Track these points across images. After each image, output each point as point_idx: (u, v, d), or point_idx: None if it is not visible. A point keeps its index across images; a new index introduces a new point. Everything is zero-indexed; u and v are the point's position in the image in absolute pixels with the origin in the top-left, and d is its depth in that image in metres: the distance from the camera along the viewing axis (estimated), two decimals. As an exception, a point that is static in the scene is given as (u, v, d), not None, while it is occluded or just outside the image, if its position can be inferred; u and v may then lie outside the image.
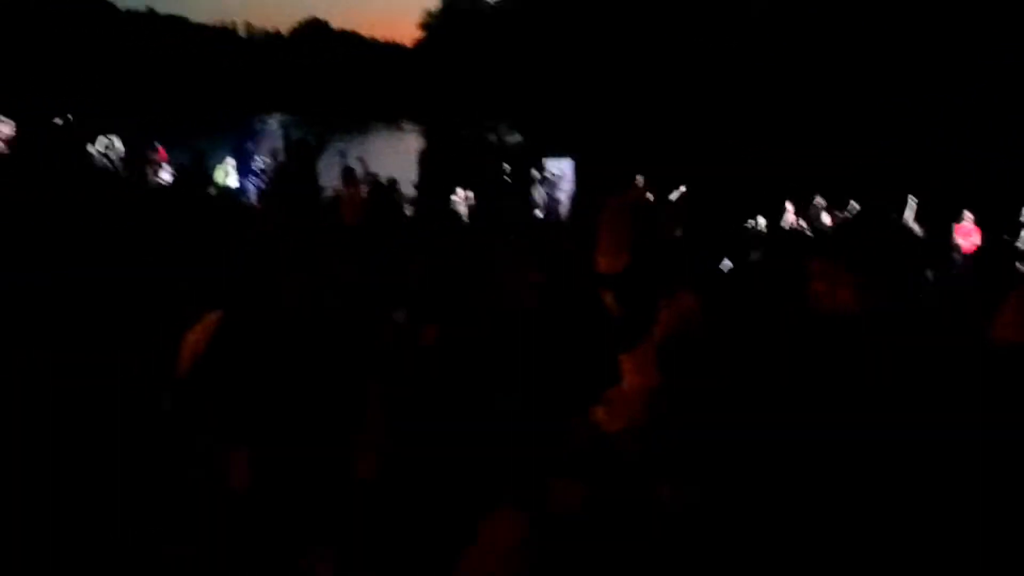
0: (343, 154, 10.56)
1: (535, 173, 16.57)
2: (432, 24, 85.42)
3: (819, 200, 14.66)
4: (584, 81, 46.89)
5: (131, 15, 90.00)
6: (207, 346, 2.08)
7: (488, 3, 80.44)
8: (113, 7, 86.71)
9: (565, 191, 16.74)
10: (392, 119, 66.89)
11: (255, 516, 1.72)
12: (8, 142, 14.55)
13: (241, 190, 14.61)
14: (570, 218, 15.69)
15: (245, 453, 1.73)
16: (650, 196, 11.50)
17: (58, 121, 18.81)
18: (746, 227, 14.58)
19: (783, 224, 14.64)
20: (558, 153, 17.85)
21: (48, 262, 4.34)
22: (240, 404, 1.72)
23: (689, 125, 30.51)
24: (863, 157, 20.67)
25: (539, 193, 16.23)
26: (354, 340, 2.28)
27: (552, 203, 16.34)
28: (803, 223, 14.46)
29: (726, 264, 10.91)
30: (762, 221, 14.65)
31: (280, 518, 1.75)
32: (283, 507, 1.72)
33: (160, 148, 16.96)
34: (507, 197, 15.26)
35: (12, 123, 17.59)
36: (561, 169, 16.99)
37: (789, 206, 14.66)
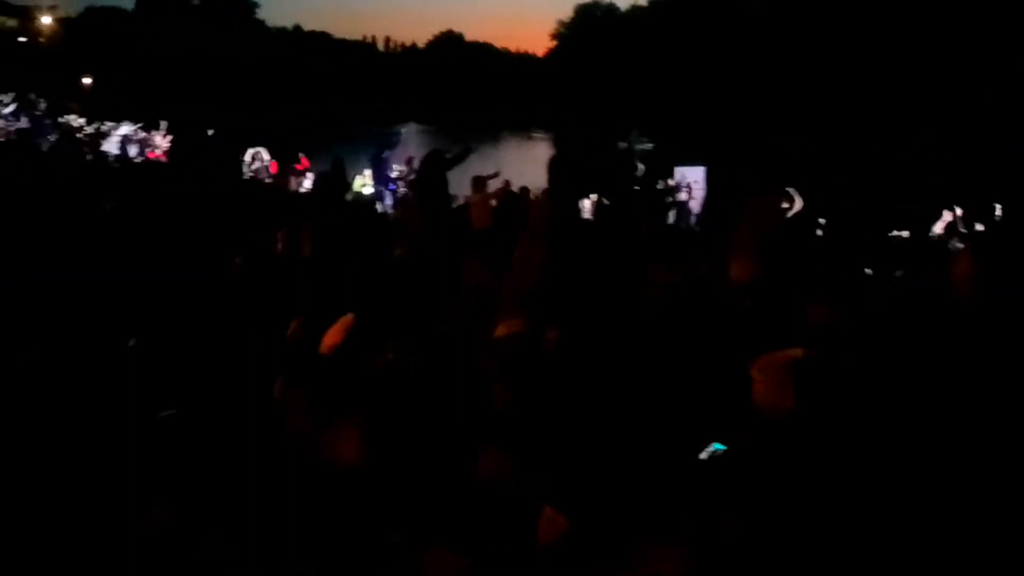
0: (471, 150, 10.72)
1: (666, 180, 16.34)
2: (564, 34, 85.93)
3: (956, 210, 13.68)
4: (719, 87, 45.93)
5: (280, 32, 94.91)
6: (343, 344, 2.17)
7: (620, 11, 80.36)
8: (263, 24, 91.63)
9: (697, 199, 16.42)
10: (522, 127, 67.64)
11: (368, 505, 1.73)
12: (165, 152, 15.56)
13: (377, 197, 15.10)
14: (702, 226, 15.35)
15: (357, 434, 1.74)
16: (789, 204, 11.08)
17: (211, 132, 20.07)
18: (890, 237, 13.83)
19: (932, 234, 13.79)
20: (690, 160, 17.53)
21: (201, 260, 4.60)
22: (371, 398, 1.75)
23: (829, 130, 29.34)
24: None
25: (670, 201, 15.98)
26: (478, 342, 2.30)
27: (683, 211, 16.05)
28: (949, 232, 13.57)
29: (869, 274, 10.38)
30: (905, 232, 13.87)
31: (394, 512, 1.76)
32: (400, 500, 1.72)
33: (303, 158, 17.80)
34: (637, 204, 15.09)
35: (168, 134, 18.86)
36: (693, 176, 16.67)
37: (947, 215, 13.70)
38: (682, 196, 16.19)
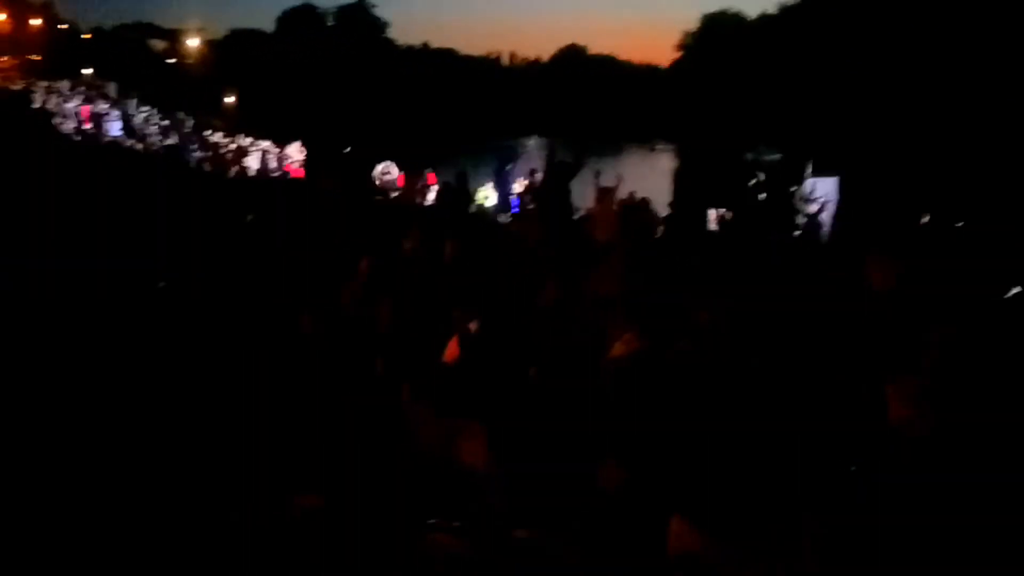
0: (597, 174, 10.71)
1: (796, 192, 15.82)
2: (689, 44, 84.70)
3: None
4: (852, 94, 44.21)
5: (408, 50, 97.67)
6: (470, 345, 2.24)
7: (749, 18, 78.52)
8: (392, 43, 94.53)
9: (828, 211, 15.80)
10: (645, 139, 67.07)
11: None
12: (301, 165, 16.29)
13: (499, 209, 15.33)
14: (835, 238, 14.78)
15: (484, 434, 1.78)
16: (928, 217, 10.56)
17: (346, 149, 20.92)
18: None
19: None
20: (821, 171, 16.92)
21: (328, 265, 4.81)
22: (495, 392, 1.79)
23: (970, 139, 27.72)
24: None
25: (800, 213, 15.45)
26: (596, 351, 2.31)
27: (814, 223, 15.48)
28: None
29: (1016, 292, 9.73)
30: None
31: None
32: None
33: (431, 173, 18.30)
34: (765, 217, 14.69)
35: (304, 149, 19.77)
36: (825, 188, 16.07)
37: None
38: (812, 208, 15.64)
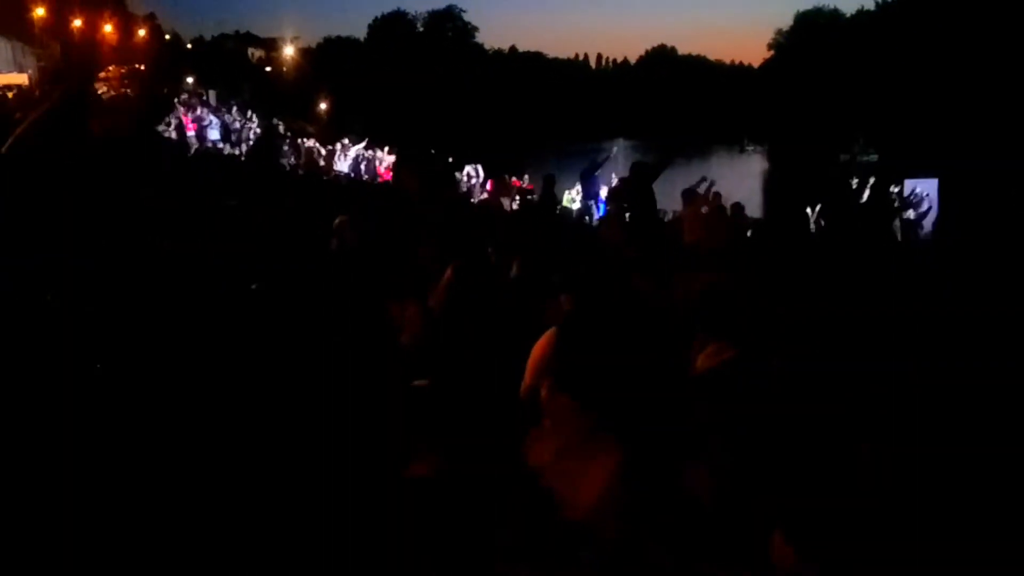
0: (669, 161, 10.53)
1: (896, 194, 15.25)
2: (781, 42, 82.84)
3: None
4: (953, 92, 42.39)
5: (496, 53, 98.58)
6: (553, 352, 2.22)
7: (845, 16, 76.28)
8: (481, 47, 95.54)
9: (929, 214, 15.18)
10: (735, 140, 65.87)
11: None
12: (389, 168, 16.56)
13: (585, 212, 15.28)
14: (936, 241, 14.18)
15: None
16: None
17: (432, 152, 21.24)
18: None
19: None
20: (921, 172, 16.28)
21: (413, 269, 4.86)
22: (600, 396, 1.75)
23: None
24: None
25: (899, 216, 14.89)
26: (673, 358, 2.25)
27: (914, 226, 14.89)
28: None
29: None
30: None
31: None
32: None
33: (515, 180, 18.42)
34: (862, 220, 14.20)
35: (393, 152, 20.14)
36: (926, 189, 15.45)
37: None
38: (913, 211, 15.05)
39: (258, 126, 23.56)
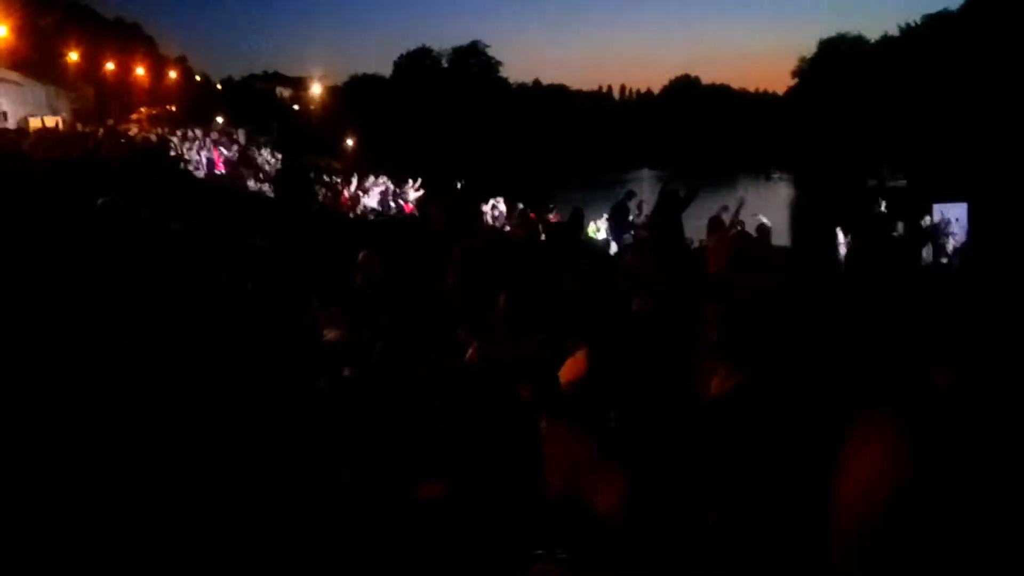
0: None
1: (924, 221, 15.11)
2: (805, 69, 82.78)
3: None
4: (980, 117, 42.06)
5: (520, 87, 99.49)
6: (581, 376, 2.24)
7: (869, 42, 76.10)
8: (505, 81, 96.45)
9: (958, 239, 15.01)
10: (761, 168, 65.68)
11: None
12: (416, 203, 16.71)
13: (612, 242, 15.27)
14: (964, 268, 14.00)
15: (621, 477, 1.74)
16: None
17: (458, 184, 21.45)
18: None
19: None
20: (949, 198, 16.12)
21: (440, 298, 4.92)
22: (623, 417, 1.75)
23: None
24: None
25: (927, 242, 14.74)
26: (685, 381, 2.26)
27: (943, 251, 14.73)
28: None
29: None
30: None
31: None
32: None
33: (531, 213, 18.50)
34: (891, 246, 14.06)
35: (419, 188, 20.35)
36: (954, 214, 15.29)
37: None
38: (944, 237, 14.89)
39: (281, 163, 23.92)
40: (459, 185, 21.35)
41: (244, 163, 21.31)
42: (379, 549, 2.00)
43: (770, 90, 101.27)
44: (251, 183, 21.77)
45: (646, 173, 64.58)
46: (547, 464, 1.84)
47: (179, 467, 3.00)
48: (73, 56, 43.48)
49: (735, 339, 2.32)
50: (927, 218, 15.16)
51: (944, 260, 14.52)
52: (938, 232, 14.92)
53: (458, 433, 2.04)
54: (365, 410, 3.25)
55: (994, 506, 1.11)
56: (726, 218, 10.77)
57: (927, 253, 14.56)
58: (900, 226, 15.02)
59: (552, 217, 18.27)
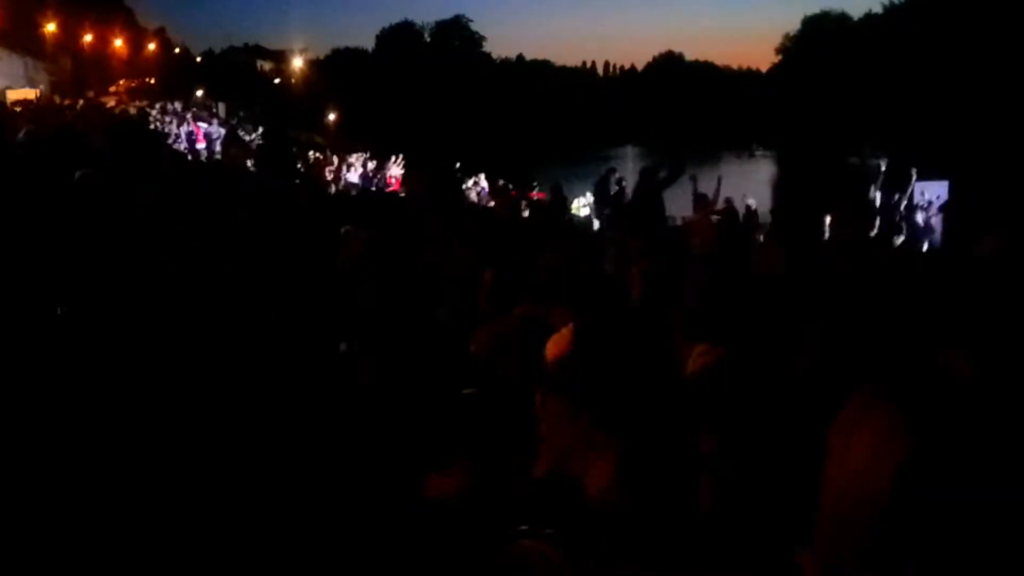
0: (693, 178, 10.53)
1: (904, 198, 15.20)
2: (789, 47, 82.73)
3: None
4: (962, 95, 42.26)
5: (504, 62, 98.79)
6: (569, 350, 2.24)
7: (853, 19, 76.11)
8: (489, 56, 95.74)
9: (938, 216, 15.13)
10: (744, 145, 65.72)
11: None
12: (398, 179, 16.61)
13: (592, 218, 15.28)
14: (945, 245, 14.13)
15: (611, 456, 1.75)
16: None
17: (440, 161, 21.34)
18: None
19: None
20: (931, 175, 16.21)
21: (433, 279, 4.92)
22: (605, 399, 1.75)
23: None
24: None
25: (909, 219, 14.84)
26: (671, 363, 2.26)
27: (925, 229, 14.85)
28: None
29: None
30: None
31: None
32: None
33: (512, 189, 18.46)
34: (873, 224, 14.14)
35: (401, 163, 20.22)
36: (935, 192, 15.40)
37: None
38: (922, 214, 15.01)
39: (261, 136, 23.68)
40: (441, 160, 21.27)
41: (235, 143, 21.00)
42: (380, 543, 2.00)
43: (754, 67, 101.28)
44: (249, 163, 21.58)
45: (630, 150, 64.51)
46: (542, 441, 1.84)
47: (183, 458, 2.98)
48: (51, 27, 42.70)
49: (711, 316, 2.33)
50: (909, 194, 15.26)
51: (926, 238, 14.65)
52: (919, 209, 15.04)
53: (479, 417, 2.04)
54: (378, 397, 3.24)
55: (1000, 493, 1.07)
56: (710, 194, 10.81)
57: (909, 231, 14.67)
58: (879, 200, 15.11)
59: (534, 194, 18.25)
